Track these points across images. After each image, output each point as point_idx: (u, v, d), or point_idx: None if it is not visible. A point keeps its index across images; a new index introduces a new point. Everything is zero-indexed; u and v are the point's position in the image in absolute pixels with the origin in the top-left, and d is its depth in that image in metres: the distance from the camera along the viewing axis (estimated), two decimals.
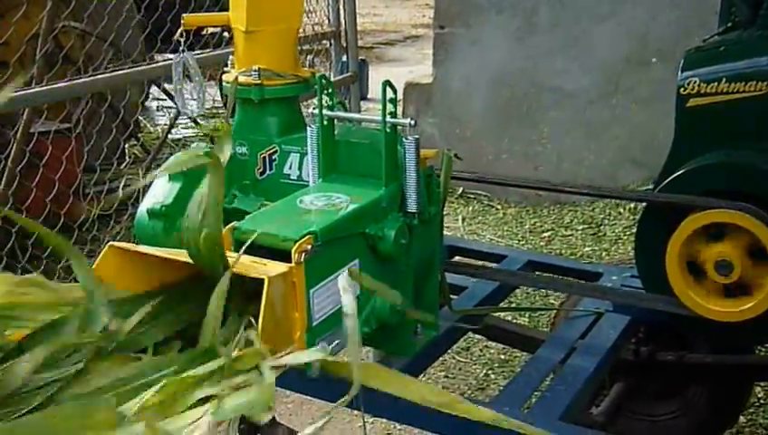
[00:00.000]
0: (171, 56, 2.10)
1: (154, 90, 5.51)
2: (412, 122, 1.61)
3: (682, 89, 1.87)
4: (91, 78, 3.08)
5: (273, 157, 1.90)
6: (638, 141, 4.21)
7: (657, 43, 4.10)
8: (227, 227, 1.52)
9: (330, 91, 1.71)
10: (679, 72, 1.89)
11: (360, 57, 4.58)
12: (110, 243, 1.41)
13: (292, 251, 1.37)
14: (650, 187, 2.58)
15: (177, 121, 4.98)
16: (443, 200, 1.82)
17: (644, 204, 2.04)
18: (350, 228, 1.53)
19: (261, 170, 1.92)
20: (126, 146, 4.70)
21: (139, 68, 3.37)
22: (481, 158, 4.47)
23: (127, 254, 1.40)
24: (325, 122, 1.70)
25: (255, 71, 1.85)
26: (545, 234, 4.09)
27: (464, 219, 4.36)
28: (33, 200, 3.28)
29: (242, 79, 1.87)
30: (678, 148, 1.93)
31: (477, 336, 2.93)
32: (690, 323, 1.89)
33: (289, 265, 1.36)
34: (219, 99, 5.73)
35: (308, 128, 1.73)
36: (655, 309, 1.94)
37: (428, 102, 4.64)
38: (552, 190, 2.27)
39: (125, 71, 3.30)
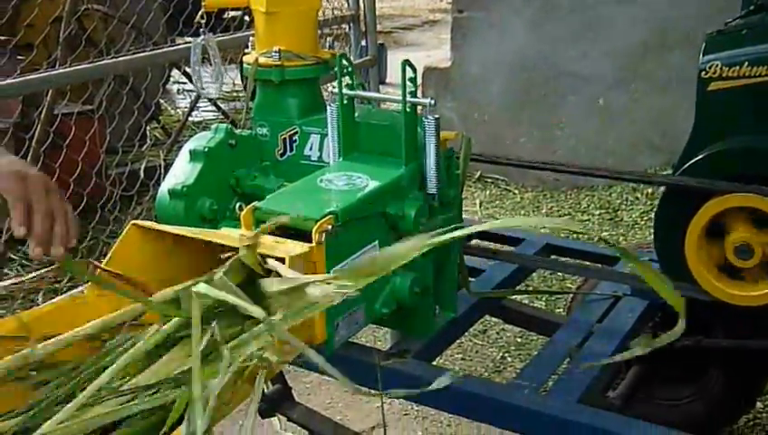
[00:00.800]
0: (192, 39, 2.11)
1: (175, 73, 5.53)
2: (432, 102, 1.62)
3: (703, 72, 1.86)
4: (113, 60, 3.10)
5: (294, 138, 1.91)
6: (656, 126, 4.18)
7: (677, 27, 4.06)
8: (248, 206, 1.54)
9: (350, 69, 1.72)
10: (701, 56, 1.87)
11: (378, 41, 4.57)
12: (133, 222, 1.44)
13: (313, 231, 1.39)
14: (669, 172, 2.57)
15: (197, 104, 5.01)
16: (462, 183, 1.83)
17: (662, 189, 2.03)
18: (370, 208, 1.55)
19: (281, 152, 1.93)
20: (147, 128, 4.74)
21: (161, 50, 3.39)
22: (499, 142, 4.46)
23: (149, 233, 1.43)
24: (345, 101, 1.71)
25: (276, 52, 1.86)
26: (562, 218, 4.09)
27: (481, 203, 4.36)
28: (56, 180, 3.31)
29: (262, 60, 1.88)
30: (699, 132, 1.92)
31: (494, 319, 2.94)
32: (710, 307, 1.89)
33: (310, 244, 1.38)
34: (240, 82, 5.76)
35: (328, 107, 1.74)
36: None
37: (447, 87, 4.63)
38: (570, 172, 2.26)
39: (146, 53, 3.32)
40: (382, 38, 6.57)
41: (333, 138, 1.75)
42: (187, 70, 4.85)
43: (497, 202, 4.38)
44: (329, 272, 1.41)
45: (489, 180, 4.58)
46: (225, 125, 1.92)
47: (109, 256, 1.41)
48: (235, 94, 5.84)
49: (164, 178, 1.91)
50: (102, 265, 1.39)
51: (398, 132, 1.65)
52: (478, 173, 4.57)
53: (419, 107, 1.63)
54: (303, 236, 1.41)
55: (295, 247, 1.36)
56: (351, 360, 1.75)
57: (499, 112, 4.55)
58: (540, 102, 4.45)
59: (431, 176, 1.65)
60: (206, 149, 1.84)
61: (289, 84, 1.89)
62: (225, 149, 1.87)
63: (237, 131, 1.93)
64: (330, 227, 1.41)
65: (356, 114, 1.75)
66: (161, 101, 5.30)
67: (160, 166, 3.83)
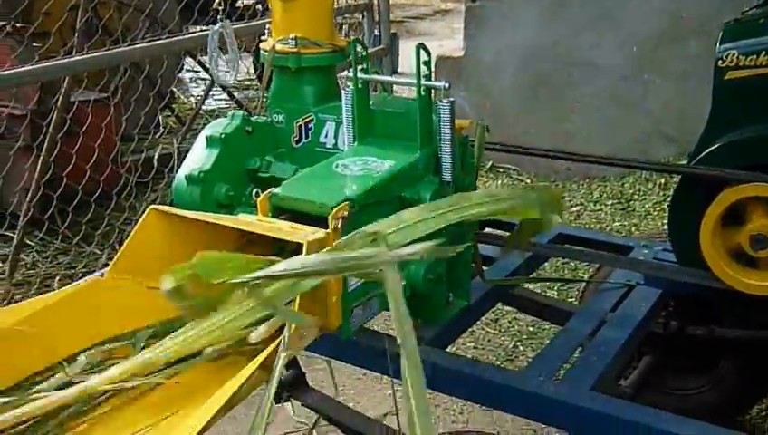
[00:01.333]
0: (207, 28, 2.12)
1: (188, 61, 5.56)
2: (446, 85, 1.62)
3: (720, 61, 1.85)
4: (130, 47, 3.12)
5: (310, 125, 1.92)
6: (670, 117, 4.17)
7: (691, 18, 4.04)
8: (264, 193, 1.55)
9: (364, 55, 1.72)
10: (717, 45, 1.87)
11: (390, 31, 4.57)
12: (152, 206, 1.45)
13: (330, 218, 1.40)
14: (683, 162, 2.56)
15: (210, 92, 5.03)
16: (476, 171, 1.83)
17: (675, 179, 2.03)
18: (385, 192, 1.55)
19: (297, 138, 1.94)
20: (161, 116, 4.77)
21: (176, 38, 3.40)
22: (511, 132, 4.45)
23: (168, 217, 1.44)
24: (360, 86, 1.71)
25: (292, 39, 1.86)
26: (574, 208, 4.08)
27: None
28: (73, 167, 3.35)
29: (279, 47, 1.89)
30: (715, 121, 1.91)
31: (507, 308, 2.95)
32: (724, 296, 1.89)
33: (326, 230, 1.39)
34: (252, 71, 5.78)
35: (343, 91, 1.75)
36: (687, 282, 1.94)
37: (459, 76, 4.62)
38: (583, 161, 2.26)
39: (162, 41, 3.34)
40: (394, 27, 6.56)
41: (348, 122, 1.75)
42: (201, 58, 4.88)
43: None
44: None
45: (501, 170, 4.58)
46: (241, 112, 1.93)
47: (128, 240, 1.43)
48: (248, 83, 5.86)
49: (178, 165, 1.93)
50: (121, 250, 1.41)
51: (412, 119, 1.65)
52: (490, 163, 4.57)
53: (433, 92, 1.64)
54: (320, 221, 1.42)
55: (312, 233, 1.37)
56: (365, 346, 1.76)
57: (512, 102, 4.55)
58: (553, 92, 4.44)
59: (446, 161, 1.66)
60: (223, 136, 1.85)
61: (305, 72, 1.90)
62: (241, 135, 1.89)
63: (253, 118, 1.94)
64: (346, 213, 1.41)
65: (371, 102, 1.75)
66: (174, 89, 5.32)
67: (174, 153, 3.85)
